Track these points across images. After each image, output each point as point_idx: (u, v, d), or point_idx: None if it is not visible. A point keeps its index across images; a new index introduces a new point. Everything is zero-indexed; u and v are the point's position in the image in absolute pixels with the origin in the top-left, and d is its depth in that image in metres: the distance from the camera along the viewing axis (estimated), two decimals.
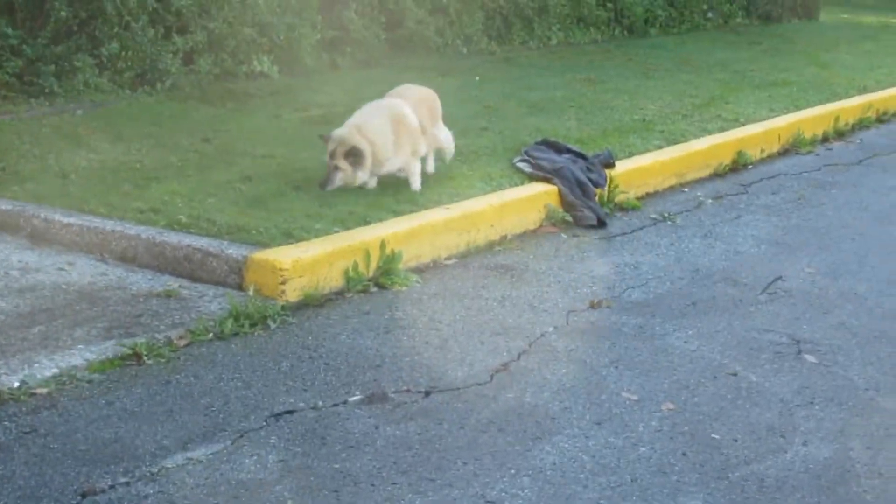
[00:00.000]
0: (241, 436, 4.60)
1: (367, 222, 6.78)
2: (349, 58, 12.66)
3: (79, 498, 4.08)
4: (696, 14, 18.98)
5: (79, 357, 5.15)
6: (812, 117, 11.33)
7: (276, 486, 4.24)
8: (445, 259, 6.95)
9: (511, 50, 14.98)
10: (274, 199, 7.14)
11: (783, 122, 10.86)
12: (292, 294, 6.02)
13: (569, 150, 8.55)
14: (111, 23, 10.30)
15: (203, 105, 10.05)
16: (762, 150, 10.29)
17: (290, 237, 6.42)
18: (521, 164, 8.24)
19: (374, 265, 6.42)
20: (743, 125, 10.56)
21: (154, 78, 10.52)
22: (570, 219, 7.80)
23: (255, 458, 4.43)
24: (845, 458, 4.75)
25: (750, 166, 9.91)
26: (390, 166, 7.41)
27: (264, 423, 4.71)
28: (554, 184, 7.91)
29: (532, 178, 8.03)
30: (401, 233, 6.67)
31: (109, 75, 10.27)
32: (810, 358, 5.75)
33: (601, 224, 7.82)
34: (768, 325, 6.17)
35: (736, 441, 4.82)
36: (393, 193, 7.39)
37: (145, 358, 5.22)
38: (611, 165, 8.50)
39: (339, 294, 6.24)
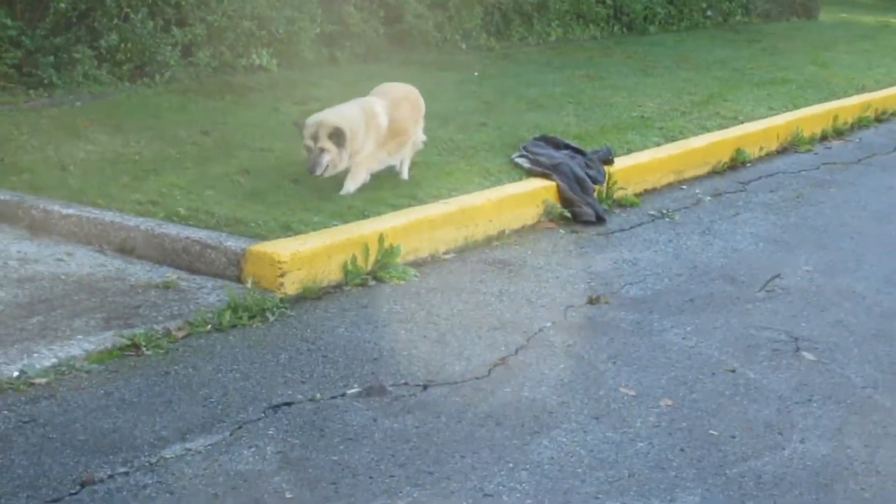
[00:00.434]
0: (240, 427, 4.60)
1: (365, 216, 6.78)
2: (348, 52, 12.65)
3: (77, 487, 4.08)
4: (695, 12, 18.97)
5: (77, 347, 5.15)
6: (811, 116, 11.34)
7: (274, 478, 4.24)
8: (443, 253, 6.95)
9: (510, 46, 14.98)
10: (272, 191, 7.14)
11: (782, 121, 10.86)
12: (291, 287, 6.02)
13: (567, 146, 8.56)
14: (110, 14, 10.29)
15: (202, 98, 10.04)
16: (761, 148, 10.30)
17: (288, 230, 6.42)
18: (519, 160, 8.24)
19: (372, 259, 6.42)
20: (742, 123, 10.57)
21: (153, 70, 10.51)
22: (568, 215, 7.80)
23: (253, 449, 4.44)
24: (843, 455, 4.76)
25: (748, 164, 9.91)
26: (343, 165, 7.17)
27: (262, 415, 4.71)
28: (552, 180, 7.91)
29: (530, 173, 8.03)
30: (399, 227, 6.68)
31: (108, 67, 10.27)
32: (808, 355, 5.76)
33: (599, 220, 7.83)
34: (766, 323, 6.18)
35: (734, 437, 4.83)
36: (391, 188, 7.39)
37: (144, 349, 5.22)
38: (609, 162, 8.50)
39: (338, 287, 6.24)
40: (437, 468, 4.40)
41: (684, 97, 11.64)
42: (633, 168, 8.75)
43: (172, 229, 6.38)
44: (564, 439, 4.70)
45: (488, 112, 10.13)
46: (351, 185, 7.23)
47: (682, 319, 6.15)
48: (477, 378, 5.22)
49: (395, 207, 7.00)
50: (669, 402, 5.11)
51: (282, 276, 5.99)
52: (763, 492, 4.42)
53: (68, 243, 6.53)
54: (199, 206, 6.75)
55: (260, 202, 6.90)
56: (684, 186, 9.06)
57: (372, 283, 6.35)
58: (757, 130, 10.39)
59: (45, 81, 9.76)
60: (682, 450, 4.69)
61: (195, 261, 6.23)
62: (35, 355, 5.03)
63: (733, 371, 5.51)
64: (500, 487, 4.30)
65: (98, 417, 4.60)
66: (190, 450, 4.39)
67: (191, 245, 6.26)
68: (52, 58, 9.84)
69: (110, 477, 4.16)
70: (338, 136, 6.99)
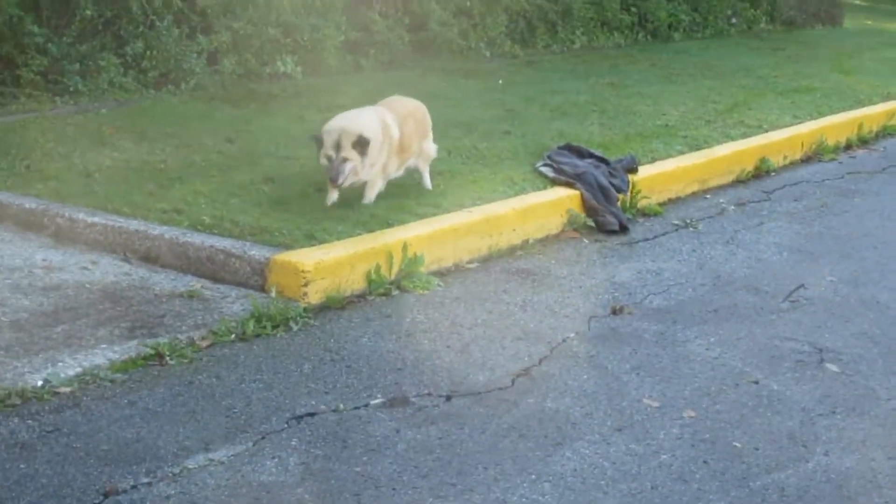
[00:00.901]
0: (263, 437, 4.61)
1: (389, 225, 6.79)
2: (373, 59, 12.68)
3: (101, 497, 4.10)
4: (719, 19, 18.94)
5: (102, 356, 5.17)
6: (835, 124, 11.29)
7: (296, 489, 4.25)
8: (467, 262, 6.95)
9: (534, 53, 14.98)
10: (297, 200, 7.16)
11: (806, 129, 10.81)
12: (314, 296, 6.03)
13: (591, 155, 8.54)
14: (136, 22, 10.36)
15: (226, 105, 10.08)
16: (785, 157, 10.26)
17: (312, 239, 6.43)
18: (543, 169, 8.24)
19: (395, 268, 6.43)
20: (766, 132, 10.52)
21: (178, 78, 10.56)
22: (592, 224, 7.79)
23: (276, 460, 4.44)
24: (867, 468, 4.73)
25: (773, 173, 9.88)
26: (364, 175, 7.11)
27: (285, 425, 4.72)
28: (576, 188, 7.90)
29: (554, 182, 8.02)
30: (423, 236, 6.68)
31: (134, 74, 10.33)
32: (832, 367, 5.74)
33: (623, 229, 7.81)
34: (790, 334, 6.16)
35: (757, 449, 4.81)
36: (415, 197, 7.40)
37: (168, 358, 5.24)
38: (634, 171, 8.48)
39: (361, 296, 6.25)
40: (459, 480, 4.40)
41: (708, 105, 11.61)
42: (658, 177, 8.73)
43: (197, 238, 6.40)
44: (587, 451, 4.70)
45: (512, 120, 10.13)
46: (371, 195, 7.23)
47: (705, 330, 6.13)
48: (500, 388, 5.22)
49: (419, 216, 7.01)
50: (692, 414, 5.10)
51: (305, 285, 6.00)
52: None
53: (93, 252, 6.56)
54: (224, 214, 6.77)
55: (284, 211, 6.92)
56: (708, 195, 9.04)
57: (395, 292, 6.35)
58: (781, 139, 10.35)
59: (71, 89, 9.83)
60: (705, 462, 4.68)
61: (219, 270, 6.25)
62: (59, 364, 5.05)
63: (757, 382, 5.49)
64: (523, 499, 4.29)
65: (122, 427, 4.62)
66: (213, 460, 4.40)
67: (215, 254, 6.28)
68: (77, 65, 9.91)
69: (133, 487, 4.18)
70: (362, 144, 6.93)
